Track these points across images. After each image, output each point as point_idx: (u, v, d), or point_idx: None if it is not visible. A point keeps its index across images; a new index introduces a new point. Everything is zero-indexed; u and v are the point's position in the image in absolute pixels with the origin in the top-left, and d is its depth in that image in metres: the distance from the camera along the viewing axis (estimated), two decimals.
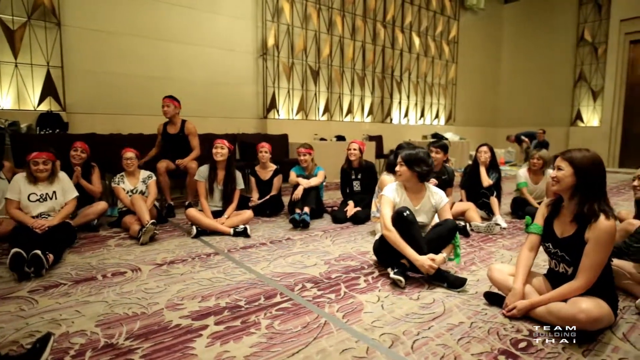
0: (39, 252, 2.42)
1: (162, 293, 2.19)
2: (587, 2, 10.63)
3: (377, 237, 2.69)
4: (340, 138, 7.61)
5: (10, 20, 4.70)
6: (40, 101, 4.98)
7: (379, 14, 8.75)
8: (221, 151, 3.54)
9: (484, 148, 4.13)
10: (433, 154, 3.79)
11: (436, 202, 2.55)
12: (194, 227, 3.36)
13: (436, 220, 2.64)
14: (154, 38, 5.76)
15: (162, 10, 5.81)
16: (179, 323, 1.85)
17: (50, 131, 4.74)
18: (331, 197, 5.40)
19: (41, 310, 1.98)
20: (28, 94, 4.92)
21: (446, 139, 9.47)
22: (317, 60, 7.73)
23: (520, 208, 4.11)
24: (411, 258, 2.27)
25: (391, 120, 9.27)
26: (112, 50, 5.43)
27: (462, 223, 3.59)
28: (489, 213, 4.02)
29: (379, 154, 7.90)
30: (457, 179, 5.78)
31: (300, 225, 3.66)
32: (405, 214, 2.33)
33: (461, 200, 4.14)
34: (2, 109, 4.72)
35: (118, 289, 2.25)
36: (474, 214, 3.78)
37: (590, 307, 1.63)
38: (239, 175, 3.70)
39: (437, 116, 10.48)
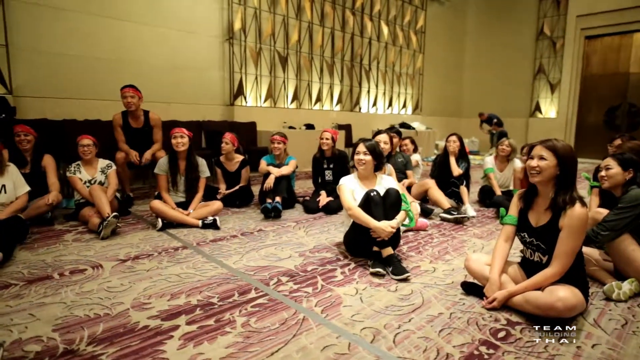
0: None
1: (127, 291, 2.05)
2: None
3: (346, 228, 2.65)
4: (310, 126, 7.50)
5: None
6: None
7: (348, 0, 8.63)
8: (181, 140, 3.36)
9: (453, 137, 4.18)
10: (389, 139, 3.86)
11: (384, 185, 2.64)
12: (159, 220, 3.18)
13: None
14: (109, 16, 5.36)
15: None
16: (147, 324, 1.72)
17: None
18: (302, 187, 5.32)
19: None
20: None
21: (413, 128, 9.61)
22: (286, 47, 7.54)
23: (488, 196, 4.21)
24: (372, 225, 2.35)
25: (360, 109, 9.25)
26: (64, 29, 5.01)
27: (430, 207, 3.71)
28: (458, 202, 4.08)
29: (348, 143, 7.87)
30: (427, 168, 5.88)
31: (272, 214, 3.57)
32: (372, 194, 2.43)
33: None
34: None
35: (77, 288, 2.08)
36: (436, 192, 3.83)
37: (567, 295, 1.66)
38: (202, 162, 3.53)
39: (404, 105, 10.57)
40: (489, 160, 4.31)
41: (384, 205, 2.44)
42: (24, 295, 1.99)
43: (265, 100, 7.31)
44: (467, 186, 4.12)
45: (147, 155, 3.99)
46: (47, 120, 4.68)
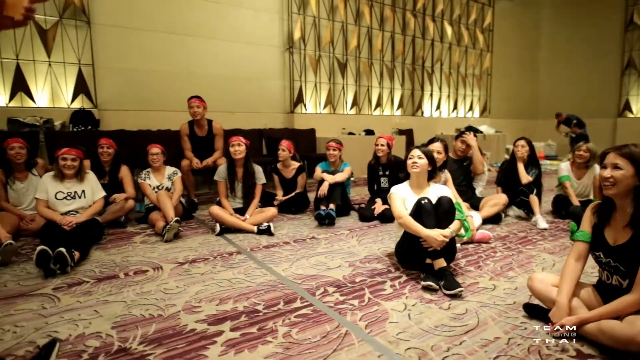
0: (63, 250, 2.43)
1: (181, 294, 2.14)
2: None
3: (397, 238, 2.54)
4: (369, 132, 7.41)
5: (43, 20, 4.82)
6: (73, 99, 5.09)
7: (409, 2, 8.43)
8: (238, 148, 3.47)
9: (522, 142, 3.85)
10: (458, 144, 3.69)
11: (435, 193, 2.52)
12: (218, 225, 3.32)
13: None
14: (178, 33, 5.76)
15: (184, 4, 5.79)
16: (194, 328, 1.78)
17: (82, 128, 4.84)
18: (359, 194, 5.25)
19: (62, 309, 1.97)
20: (62, 92, 5.04)
21: (480, 132, 9.07)
22: (345, 53, 7.54)
23: (563, 207, 3.81)
24: (422, 234, 2.24)
25: (422, 113, 8.96)
26: (138, 47, 5.48)
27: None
28: (528, 212, 3.75)
29: (410, 148, 7.63)
30: (493, 174, 5.49)
31: (325, 221, 3.56)
32: (423, 202, 2.33)
33: None
34: (38, 107, 4.87)
35: (138, 288, 2.22)
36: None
37: None
38: (258, 169, 3.63)
39: (471, 108, 10.04)
40: (565, 167, 3.91)
41: (436, 213, 2.31)
42: (93, 293, 2.17)
43: (324, 107, 7.36)
44: (539, 195, 3.77)
45: (209, 161, 4.20)
46: (125, 131, 5.13)
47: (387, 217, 3.69)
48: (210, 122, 4.45)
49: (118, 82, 5.37)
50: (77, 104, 5.11)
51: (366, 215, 3.75)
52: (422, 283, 2.19)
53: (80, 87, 5.11)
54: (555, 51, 11.54)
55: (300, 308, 1.98)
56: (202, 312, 1.93)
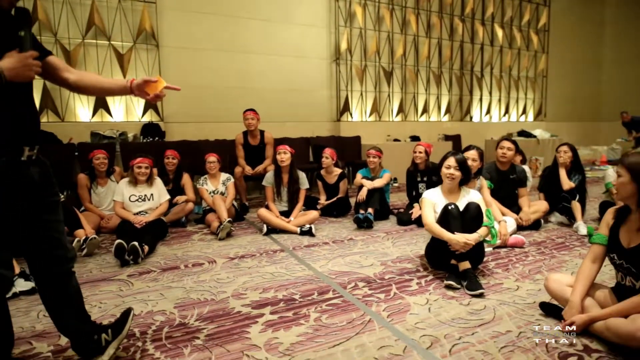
0: (136, 243, 2.88)
1: (231, 283, 2.48)
2: None
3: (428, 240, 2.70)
4: (415, 138, 7.50)
5: (120, 45, 5.53)
6: (144, 113, 5.77)
7: (457, 8, 8.41)
8: (284, 156, 3.80)
9: (565, 148, 3.82)
10: (504, 150, 3.63)
11: (466, 200, 2.62)
12: (265, 226, 3.67)
13: None
14: (234, 51, 6.29)
15: (241, 25, 6.31)
16: (240, 310, 2.10)
17: (151, 139, 5.48)
18: (400, 199, 5.38)
19: (135, 292, 2.38)
20: (134, 108, 5.73)
21: (535, 136, 8.76)
22: (391, 61, 7.71)
23: None
24: (447, 238, 2.38)
25: (471, 118, 8.85)
26: (198, 65, 6.07)
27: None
28: (570, 219, 3.71)
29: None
30: (537, 181, 5.39)
31: (364, 224, 3.78)
32: (450, 207, 2.46)
33: None
34: (115, 121, 5.58)
35: (195, 277, 2.60)
36: (491, 209, 3.41)
37: None
38: (302, 175, 3.93)
39: (524, 112, 9.72)
40: (612, 173, 3.80)
41: (462, 219, 2.45)
42: (159, 279, 2.58)
43: (370, 115, 7.57)
44: (582, 201, 3.71)
45: (259, 168, 4.60)
46: (187, 141, 5.70)
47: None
48: (262, 132, 4.86)
49: (181, 97, 5.95)
50: (146, 118, 5.78)
51: (403, 220, 3.92)
52: (445, 282, 2.35)
53: (150, 103, 5.76)
54: (622, 49, 10.83)
55: (331, 299, 2.23)
56: (247, 298, 2.25)
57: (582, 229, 3.44)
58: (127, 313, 1.71)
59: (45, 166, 1.41)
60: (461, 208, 2.54)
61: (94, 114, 5.48)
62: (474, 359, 1.62)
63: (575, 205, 3.61)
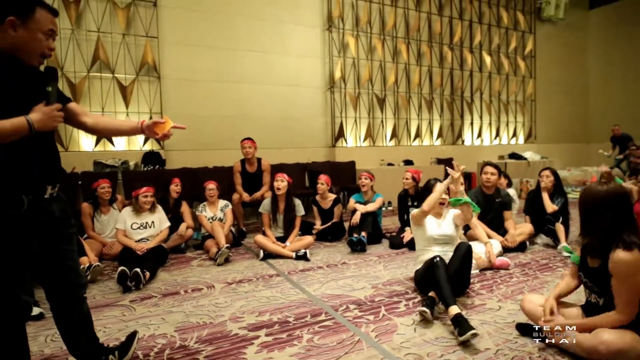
0: (138, 270, 3.02)
1: (228, 307, 2.61)
2: None
3: (418, 267, 2.84)
4: (408, 162, 7.71)
5: (124, 78, 5.80)
6: (145, 142, 5.98)
7: (446, 37, 8.79)
8: (281, 184, 3.97)
9: (546, 172, 4.02)
10: (488, 175, 3.83)
11: (451, 215, 2.91)
12: (261, 251, 3.81)
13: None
14: (232, 81, 6.57)
15: (238, 57, 6.60)
16: (237, 332, 2.23)
17: (152, 167, 5.66)
18: (394, 223, 5.53)
19: (137, 316, 2.51)
20: (135, 136, 5.94)
21: (525, 158, 9.01)
22: (383, 89, 8.02)
23: None
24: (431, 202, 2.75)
25: (463, 141, 9.10)
26: (198, 95, 6.32)
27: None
28: (555, 240, 3.87)
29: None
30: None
31: (357, 248, 3.92)
32: (435, 260, 2.45)
33: None
34: (117, 150, 5.78)
35: (195, 302, 2.73)
36: (477, 231, 3.57)
37: (612, 338, 1.65)
38: (298, 203, 4.10)
39: (514, 135, 10.00)
40: None
41: (451, 266, 2.53)
42: (160, 304, 2.70)
43: (364, 140, 7.81)
44: (566, 223, 3.88)
45: (257, 195, 4.77)
46: (187, 169, 5.89)
47: (414, 245, 3.98)
48: (259, 159, 5.05)
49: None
50: (147, 147, 5.98)
51: (395, 243, 4.07)
52: (419, 309, 2.34)
53: None
54: (606, 73, 11.22)
55: (323, 320, 2.36)
56: (244, 321, 2.38)
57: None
58: (132, 336, 1.84)
59: (63, 202, 1.59)
60: (445, 227, 2.82)
61: (97, 144, 5.68)
62: None
63: (559, 228, 3.78)
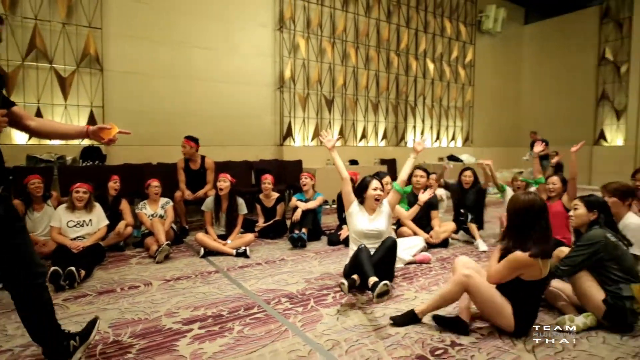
0: (73, 269, 3.01)
1: (164, 303, 2.70)
2: (608, 22, 10.60)
3: (347, 261, 3.08)
4: (354, 162, 8.03)
5: (63, 69, 5.57)
6: None
7: (393, 43, 9.21)
8: (223, 184, 4.08)
9: (469, 172, 4.47)
10: (418, 178, 4.20)
11: (385, 207, 3.12)
12: (202, 249, 3.89)
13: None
14: (179, 77, 6.51)
15: (187, 52, 6.55)
16: (171, 327, 2.34)
17: (90, 163, 5.51)
18: (336, 221, 5.79)
19: (71, 315, 2.54)
20: None
21: (461, 160, 9.66)
22: (332, 90, 8.27)
23: None
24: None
25: (405, 143, 9.60)
26: (143, 90, 6.20)
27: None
28: (472, 236, 4.29)
29: (393, 177, 8.21)
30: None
31: (298, 244, 4.13)
32: (360, 246, 2.80)
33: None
34: (52, 144, 5.55)
35: (131, 299, 2.79)
36: (406, 228, 4.08)
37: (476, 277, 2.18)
38: (241, 202, 4.22)
39: (453, 138, 10.68)
40: (509, 192, 4.48)
41: (376, 255, 2.84)
42: (95, 303, 2.73)
43: (312, 140, 8.03)
44: (478, 220, 4.34)
45: (200, 193, 4.82)
46: (129, 165, 5.78)
47: None
48: (203, 157, 5.09)
49: (125, 120, 6.04)
50: (87, 141, 5.79)
51: (333, 240, 4.31)
52: (341, 280, 2.65)
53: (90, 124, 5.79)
54: (536, 84, 12.26)
55: (255, 313, 2.53)
56: (179, 316, 2.49)
57: (482, 246, 4.02)
58: (93, 322, 1.99)
59: (8, 200, 1.67)
60: (377, 222, 3.03)
61: (30, 137, 5.43)
62: (364, 355, 1.99)
63: (471, 226, 4.21)
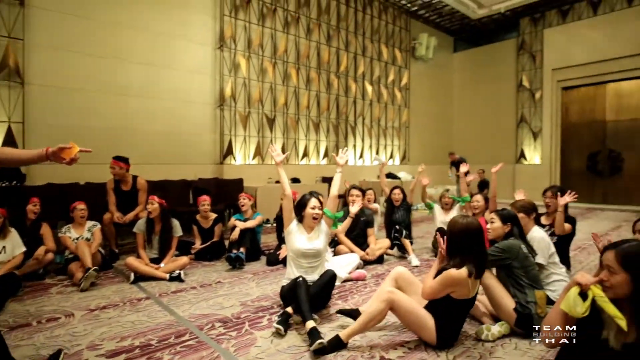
0: None
1: (87, 335, 2.53)
2: (524, 53, 11.81)
3: (285, 282, 3.09)
4: (295, 180, 8.11)
5: None
6: None
7: (333, 65, 9.54)
8: (151, 207, 3.94)
9: (397, 190, 4.72)
10: (354, 197, 4.34)
11: (323, 226, 3.10)
12: (132, 274, 3.70)
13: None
14: (112, 92, 6.23)
15: (121, 67, 6.31)
16: None
17: (7, 183, 5.05)
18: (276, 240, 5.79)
19: None
20: None
21: (399, 177, 10.13)
22: (273, 109, 8.35)
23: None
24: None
25: (346, 162, 9.85)
26: (71, 105, 5.84)
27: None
28: (404, 252, 4.50)
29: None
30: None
31: (236, 264, 4.06)
32: (298, 280, 2.76)
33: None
34: None
35: (48, 333, 2.58)
36: (343, 246, 4.24)
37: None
38: (176, 223, 4.09)
39: (391, 156, 11.18)
40: (437, 210, 4.78)
41: (316, 286, 2.84)
42: (6, 339, 2.48)
43: (253, 158, 8.01)
44: (409, 236, 4.58)
45: (130, 215, 4.59)
46: (53, 185, 5.37)
47: None
48: (135, 177, 4.87)
49: (49, 137, 5.63)
50: None
51: (271, 260, 4.31)
52: (274, 325, 2.55)
53: (8, 143, 5.33)
54: (465, 107, 13.28)
55: (187, 340, 2.45)
56: (102, 349, 2.34)
57: (414, 261, 4.22)
58: (57, 354, 1.95)
59: None
60: (316, 241, 3.03)
61: None
62: None
63: (405, 242, 4.43)
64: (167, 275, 3.73)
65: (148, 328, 2.65)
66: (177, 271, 3.77)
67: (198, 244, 4.58)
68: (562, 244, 3.59)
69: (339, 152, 3.30)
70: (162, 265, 3.84)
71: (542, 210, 3.80)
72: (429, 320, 2.28)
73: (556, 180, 11.08)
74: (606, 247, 1.59)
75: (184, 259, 3.96)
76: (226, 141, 7.58)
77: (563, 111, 11.26)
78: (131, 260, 3.76)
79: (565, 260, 3.63)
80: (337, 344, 2.31)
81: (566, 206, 3.51)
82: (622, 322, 1.40)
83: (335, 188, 3.18)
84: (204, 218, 4.71)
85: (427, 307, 2.35)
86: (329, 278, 2.93)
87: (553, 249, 2.97)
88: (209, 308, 3.02)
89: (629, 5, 9.89)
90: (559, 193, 3.55)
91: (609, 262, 1.52)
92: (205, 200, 4.65)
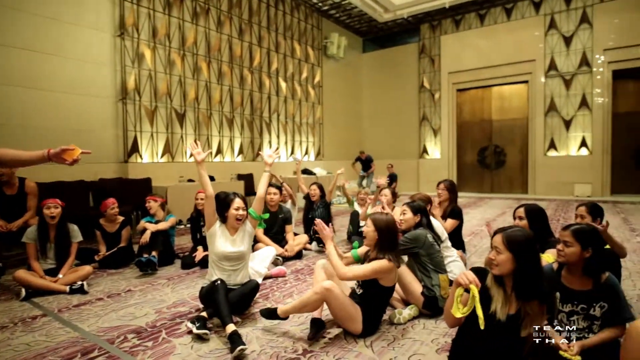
0: None
1: None
2: (424, 57, 12.86)
3: (205, 283, 2.99)
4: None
5: None
6: None
7: (246, 60, 9.37)
8: (55, 211, 3.52)
9: (314, 186, 4.85)
10: (272, 196, 4.35)
11: (248, 227, 3.01)
12: (23, 289, 3.26)
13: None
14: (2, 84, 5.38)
15: (1, 53, 5.47)
16: None
17: None
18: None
19: None
20: None
21: (314, 173, 10.37)
22: (183, 104, 7.94)
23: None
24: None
25: (262, 158, 9.80)
26: None
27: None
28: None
29: (249, 192, 8.29)
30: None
31: (147, 269, 3.81)
32: (216, 283, 2.68)
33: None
34: None
35: None
36: (261, 244, 4.26)
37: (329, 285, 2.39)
38: (74, 228, 3.69)
39: (307, 152, 11.39)
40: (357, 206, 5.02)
41: (238, 293, 2.80)
42: None
43: (162, 156, 7.54)
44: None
45: (18, 222, 4.03)
46: None
47: (207, 263, 4.13)
48: (22, 180, 4.27)
49: None
50: None
51: (187, 263, 4.13)
52: (195, 332, 2.45)
53: None
54: (374, 105, 14.04)
55: (96, 357, 2.25)
56: None
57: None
58: None
59: None
60: (239, 243, 2.93)
61: None
62: None
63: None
64: (67, 288, 3.36)
65: (47, 348, 2.37)
66: (79, 282, 3.41)
67: (103, 251, 4.20)
68: (455, 231, 4.01)
69: (266, 150, 3.24)
70: (60, 276, 3.45)
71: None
72: (358, 312, 2.42)
73: (453, 172, 12.32)
74: (495, 231, 1.88)
75: (87, 268, 3.60)
76: (130, 138, 7.02)
77: (458, 111, 12.53)
78: (21, 273, 3.31)
79: (460, 244, 4.06)
80: (274, 315, 2.53)
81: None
82: (481, 322, 1.67)
83: (263, 188, 3.12)
84: (109, 222, 4.32)
85: (359, 298, 2.49)
86: (250, 290, 2.90)
87: (445, 235, 3.33)
88: (119, 319, 2.80)
89: (508, 19, 11.35)
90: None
91: (496, 244, 1.81)
92: (114, 204, 4.27)
